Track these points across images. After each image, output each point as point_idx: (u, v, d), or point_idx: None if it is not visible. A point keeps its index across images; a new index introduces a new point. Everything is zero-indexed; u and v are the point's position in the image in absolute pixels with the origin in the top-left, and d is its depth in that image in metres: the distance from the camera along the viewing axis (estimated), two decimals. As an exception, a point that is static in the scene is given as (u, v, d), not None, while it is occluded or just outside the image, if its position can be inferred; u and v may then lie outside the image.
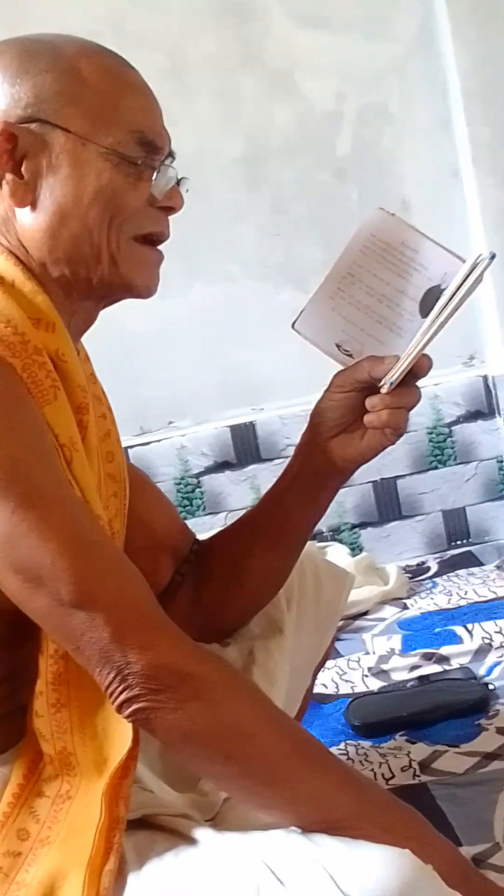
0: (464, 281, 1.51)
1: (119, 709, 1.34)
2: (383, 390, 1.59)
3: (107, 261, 1.49)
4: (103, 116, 1.46)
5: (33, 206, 1.46)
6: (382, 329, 1.62)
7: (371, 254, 1.62)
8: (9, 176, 1.45)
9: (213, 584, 1.82)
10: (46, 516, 1.32)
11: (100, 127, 1.46)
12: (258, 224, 3.75)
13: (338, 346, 1.65)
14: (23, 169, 1.45)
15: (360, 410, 1.64)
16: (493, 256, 1.51)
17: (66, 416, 1.44)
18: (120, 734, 1.42)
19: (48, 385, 1.41)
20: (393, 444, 1.65)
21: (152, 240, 1.55)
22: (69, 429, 1.44)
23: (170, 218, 1.56)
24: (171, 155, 1.55)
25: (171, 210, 1.55)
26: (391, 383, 1.57)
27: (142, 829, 1.44)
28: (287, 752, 1.38)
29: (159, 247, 1.57)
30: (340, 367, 1.65)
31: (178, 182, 1.55)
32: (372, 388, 1.62)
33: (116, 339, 3.45)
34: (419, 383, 1.62)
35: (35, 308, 1.44)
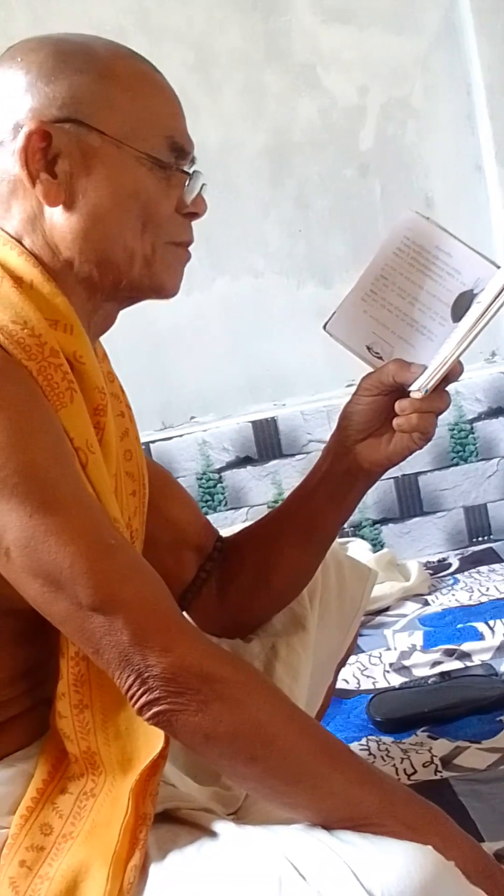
0: (502, 290, 1.51)
1: (140, 711, 1.34)
2: (417, 396, 1.59)
3: (140, 263, 1.50)
4: (138, 121, 1.47)
5: (66, 206, 1.46)
6: (413, 332, 1.63)
7: (404, 257, 1.62)
8: (43, 175, 1.45)
9: (239, 581, 1.83)
10: (64, 520, 1.32)
11: (135, 131, 1.46)
12: (282, 218, 3.74)
13: (368, 348, 1.65)
14: (57, 168, 1.45)
15: (387, 414, 1.64)
16: None
17: (82, 419, 1.44)
18: (145, 733, 1.43)
19: (64, 388, 1.41)
20: (421, 448, 1.66)
21: (184, 246, 1.56)
22: (85, 432, 1.44)
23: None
24: (193, 160, 1.55)
25: (195, 216, 1.56)
26: (427, 390, 1.57)
27: (164, 823, 1.45)
28: (310, 751, 1.39)
29: None
30: (367, 367, 1.65)
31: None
32: (400, 391, 1.62)
33: (140, 335, 3.47)
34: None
35: (53, 309, 1.44)
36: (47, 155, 1.44)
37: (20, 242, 1.48)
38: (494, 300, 1.51)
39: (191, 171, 1.53)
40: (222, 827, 1.42)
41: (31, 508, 1.31)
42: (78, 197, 1.46)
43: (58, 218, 1.47)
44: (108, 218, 1.46)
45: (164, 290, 1.55)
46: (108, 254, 1.48)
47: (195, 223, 1.57)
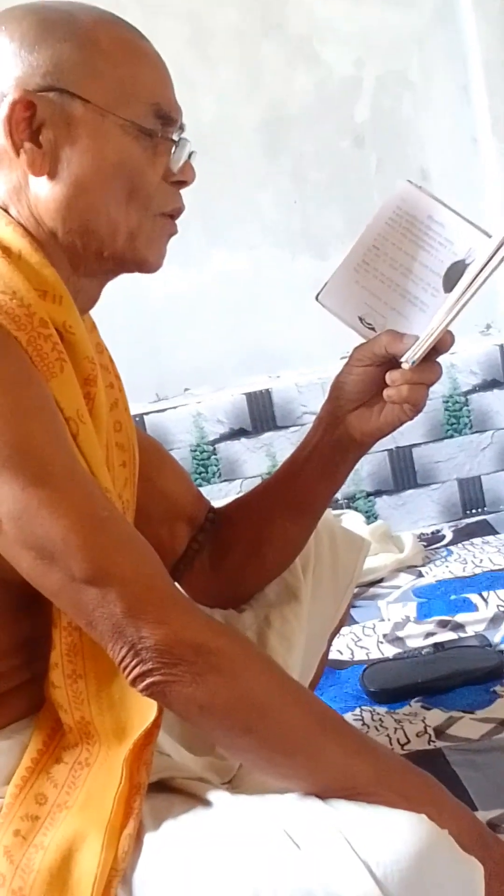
0: (490, 258, 1.50)
1: (133, 683, 1.34)
2: (405, 367, 1.58)
3: (123, 235, 1.48)
4: (122, 88, 1.45)
5: (50, 175, 1.45)
6: (405, 303, 1.62)
7: (396, 227, 1.61)
8: (27, 145, 1.44)
9: (231, 552, 1.83)
10: (57, 492, 1.32)
11: (119, 98, 1.45)
12: (277, 191, 3.74)
13: (360, 318, 1.65)
14: (41, 138, 1.44)
15: (379, 385, 1.64)
16: None
17: (73, 389, 1.44)
18: (138, 702, 1.43)
19: (54, 358, 1.41)
20: (411, 419, 1.65)
21: (172, 216, 1.55)
22: (75, 402, 1.44)
23: (192, 187, 1.56)
24: (182, 127, 1.54)
25: (183, 184, 1.54)
26: (414, 361, 1.57)
27: (159, 793, 1.45)
28: (305, 723, 1.39)
29: None
30: (361, 339, 1.65)
31: (190, 155, 1.54)
32: (392, 362, 1.61)
33: (135, 307, 3.47)
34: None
35: (42, 280, 1.44)
36: (32, 124, 1.43)
37: (7, 212, 1.48)
38: (482, 269, 1.51)
39: (178, 138, 1.51)
40: (217, 796, 1.42)
41: (24, 481, 1.31)
42: (62, 166, 1.45)
43: (42, 188, 1.46)
44: (92, 188, 1.45)
45: (146, 264, 1.53)
46: (92, 225, 1.47)
47: (190, 196, 1.57)
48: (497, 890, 1.32)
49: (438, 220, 1.59)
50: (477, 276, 1.51)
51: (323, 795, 1.35)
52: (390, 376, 1.61)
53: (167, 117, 1.49)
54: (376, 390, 1.65)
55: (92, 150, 1.45)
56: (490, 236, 1.53)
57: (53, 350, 1.41)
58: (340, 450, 1.71)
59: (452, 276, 1.57)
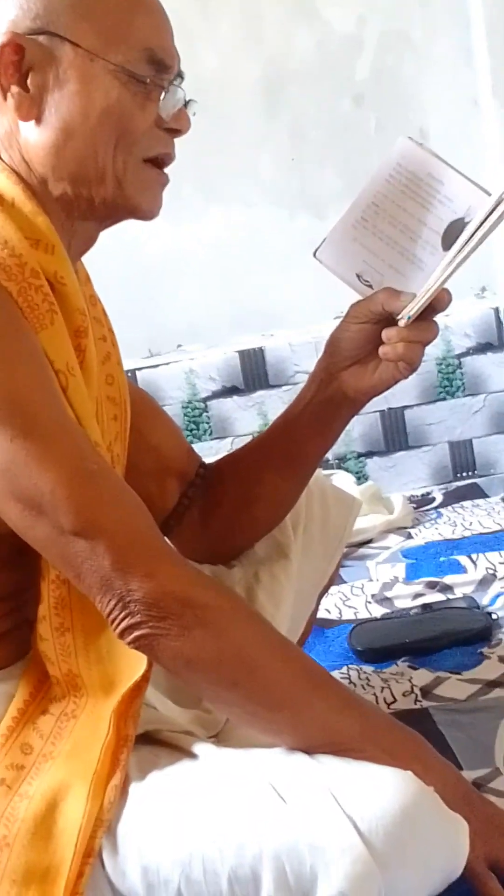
0: (488, 216, 1.49)
1: (121, 636, 1.35)
2: (401, 323, 1.58)
3: (111, 182, 1.47)
4: (114, 33, 1.44)
5: (38, 120, 1.44)
6: (403, 261, 1.61)
7: (396, 184, 1.61)
8: (14, 88, 1.43)
9: (221, 507, 1.83)
10: (46, 445, 1.33)
11: (110, 43, 1.43)
12: (275, 149, 3.72)
13: (358, 276, 1.64)
14: (29, 82, 1.43)
15: (375, 342, 1.63)
16: None
17: (63, 341, 1.43)
18: (126, 656, 1.43)
19: (45, 309, 1.40)
20: (406, 378, 1.64)
21: (160, 162, 1.53)
22: (65, 354, 1.44)
23: (190, 143, 1.55)
24: (180, 75, 1.52)
25: (177, 132, 1.53)
26: (409, 317, 1.56)
27: (145, 745, 1.46)
28: (292, 678, 1.40)
29: (165, 169, 1.54)
30: (357, 297, 1.65)
31: (186, 104, 1.53)
32: (389, 320, 1.61)
33: (131, 262, 3.45)
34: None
35: (35, 229, 1.43)
36: (21, 68, 1.42)
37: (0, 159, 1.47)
38: (480, 226, 1.50)
39: (176, 85, 1.50)
40: (203, 749, 1.43)
41: (11, 433, 1.31)
42: (49, 111, 1.44)
43: (31, 133, 1.45)
44: (80, 133, 1.44)
45: (138, 210, 1.52)
46: (81, 171, 1.46)
47: (187, 151, 1.55)
48: (480, 848, 1.33)
49: (438, 178, 1.58)
50: (474, 233, 1.50)
51: (309, 751, 1.36)
52: (386, 333, 1.60)
53: (161, 63, 1.47)
54: (372, 348, 1.64)
55: (80, 94, 1.44)
56: (489, 194, 1.52)
57: (44, 301, 1.40)
58: (333, 406, 1.70)
59: (451, 234, 1.56)
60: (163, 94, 1.48)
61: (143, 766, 1.41)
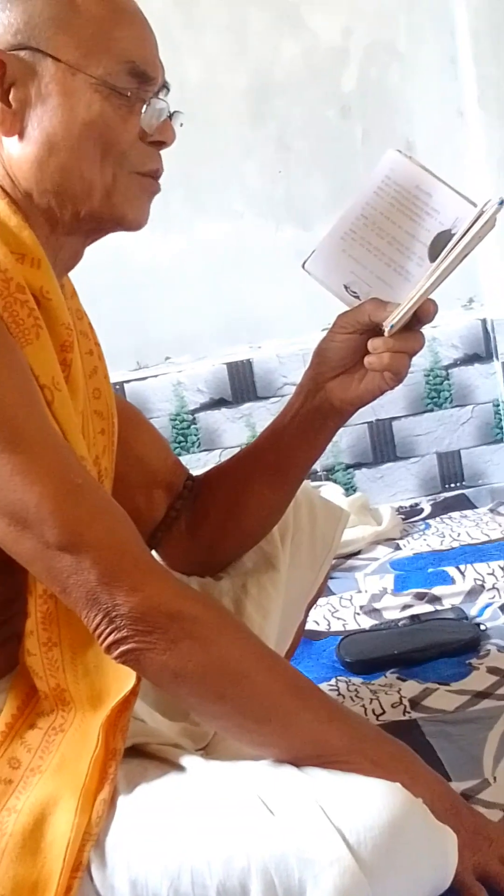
0: (470, 227, 1.50)
1: (107, 650, 1.35)
2: (386, 333, 1.58)
3: (99, 194, 1.47)
4: (94, 46, 1.44)
5: (21, 135, 1.45)
6: (391, 272, 1.62)
7: (385, 196, 1.61)
8: None
9: (209, 519, 1.83)
10: (31, 459, 1.32)
11: (90, 56, 1.44)
12: (262, 160, 3.72)
13: (346, 287, 1.65)
14: (11, 97, 1.44)
15: (362, 353, 1.63)
16: (502, 202, 1.50)
17: (48, 356, 1.43)
18: (114, 669, 1.43)
19: (30, 324, 1.40)
20: (392, 388, 1.64)
21: (151, 177, 1.53)
22: (51, 369, 1.43)
23: (176, 153, 1.55)
24: (165, 87, 1.52)
25: (162, 144, 1.53)
26: (392, 326, 1.57)
27: (133, 758, 1.46)
28: (279, 690, 1.40)
29: None
30: (345, 308, 1.65)
31: (171, 116, 1.53)
32: (376, 330, 1.61)
33: (117, 274, 3.45)
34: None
35: (20, 243, 1.43)
36: (3, 84, 1.43)
37: None
38: (464, 235, 1.50)
39: (159, 97, 1.50)
40: (191, 762, 1.43)
41: None
42: (32, 126, 1.44)
43: (14, 148, 1.46)
44: (63, 147, 1.45)
45: (126, 221, 1.52)
46: (66, 184, 1.46)
47: (173, 162, 1.55)
48: (469, 859, 1.33)
49: (426, 190, 1.59)
50: (457, 244, 1.51)
51: (297, 763, 1.36)
52: (372, 343, 1.61)
53: (143, 76, 1.47)
54: (358, 358, 1.64)
55: (62, 109, 1.44)
56: (476, 206, 1.53)
57: (30, 316, 1.40)
58: (320, 417, 1.70)
59: (438, 245, 1.57)
60: (144, 107, 1.48)
61: (131, 779, 1.41)
